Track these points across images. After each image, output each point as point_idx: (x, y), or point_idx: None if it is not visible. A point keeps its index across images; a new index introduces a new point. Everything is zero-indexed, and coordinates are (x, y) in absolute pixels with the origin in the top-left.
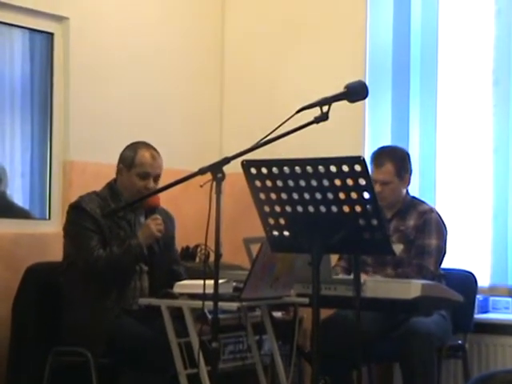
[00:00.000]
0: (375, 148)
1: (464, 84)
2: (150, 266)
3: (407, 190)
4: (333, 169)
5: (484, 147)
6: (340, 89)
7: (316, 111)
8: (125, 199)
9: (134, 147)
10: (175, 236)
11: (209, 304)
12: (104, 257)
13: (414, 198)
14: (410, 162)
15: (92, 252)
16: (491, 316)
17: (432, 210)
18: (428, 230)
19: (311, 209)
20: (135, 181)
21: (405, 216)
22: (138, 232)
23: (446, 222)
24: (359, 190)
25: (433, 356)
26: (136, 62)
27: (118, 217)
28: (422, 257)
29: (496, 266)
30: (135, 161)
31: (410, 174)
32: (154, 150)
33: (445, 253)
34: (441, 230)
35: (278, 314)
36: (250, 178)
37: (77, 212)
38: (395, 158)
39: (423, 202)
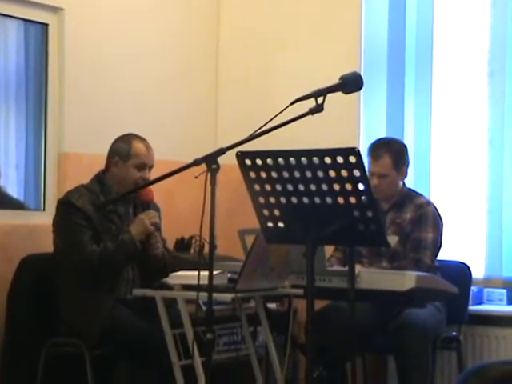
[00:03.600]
0: (370, 140)
1: (459, 75)
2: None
3: (404, 182)
4: (327, 160)
5: (479, 139)
6: (335, 81)
7: (311, 103)
8: (115, 192)
9: (127, 139)
10: (161, 226)
11: (203, 295)
12: (98, 253)
13: (410, 189)
14: (407, 153)
15: (85, 248)
16: (485, 307)
17: (429, 203)
18: (424, 223)
19: (306, 200)
20: (132, 172)
21: (401, 208)
22: (129, 225)
23: (441, 215)
24: (354, 181)
25: (427, 348)
26: (131, 53)
27: (109, 210)
28: (418, 250)
29: (490, 258)
30: (131, 152)
31: (407, 166)
32: (145, 141)
33: (440, 246)
34: (437, 223)
35: (272, 306)
36: (244, 170)
37: (67, 207)
38: (392, 151)
39: (420, 195)
